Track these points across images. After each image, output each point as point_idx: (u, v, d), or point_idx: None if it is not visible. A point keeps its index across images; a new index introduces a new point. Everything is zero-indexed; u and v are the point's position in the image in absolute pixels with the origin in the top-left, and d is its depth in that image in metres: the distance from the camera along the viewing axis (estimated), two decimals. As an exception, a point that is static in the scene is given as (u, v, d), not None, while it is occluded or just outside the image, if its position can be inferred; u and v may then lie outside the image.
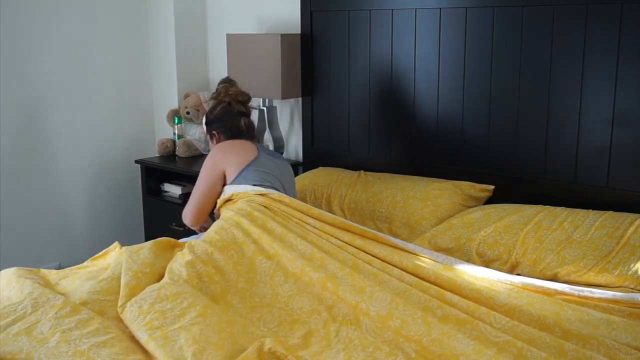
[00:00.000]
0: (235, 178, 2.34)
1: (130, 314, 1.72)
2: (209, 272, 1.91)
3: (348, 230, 2.12)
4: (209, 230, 2.12)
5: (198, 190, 2.44)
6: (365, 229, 2.15)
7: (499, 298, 1.80)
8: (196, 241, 2.04)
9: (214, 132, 2.55)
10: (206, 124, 2.56)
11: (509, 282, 1.97)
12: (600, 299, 1.88)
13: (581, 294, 1.91)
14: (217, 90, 2.60)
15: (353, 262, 1.95)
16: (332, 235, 2.09)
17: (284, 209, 2.18)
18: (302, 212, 2.18)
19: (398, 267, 1.95)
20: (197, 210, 2.46)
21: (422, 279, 1.90)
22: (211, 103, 2.58)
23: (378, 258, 2.00)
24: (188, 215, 2.49)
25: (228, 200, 2.32)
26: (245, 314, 1.82)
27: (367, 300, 1.76)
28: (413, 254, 2.08)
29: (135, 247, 2.09)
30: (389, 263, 1.97)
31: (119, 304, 1.79)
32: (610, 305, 1.85)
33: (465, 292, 1.83)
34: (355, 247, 2.04)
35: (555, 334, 1.65)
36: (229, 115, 2.52)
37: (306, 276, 1.89)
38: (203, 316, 1.67)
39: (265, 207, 2.16)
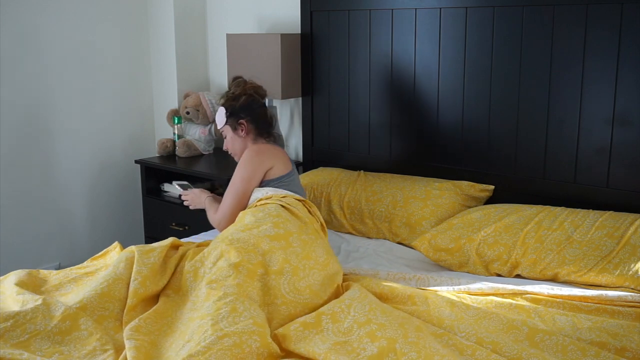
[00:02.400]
0: (278, 179, 2.35)
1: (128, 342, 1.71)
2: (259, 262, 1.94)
3: None
4: (245, 220, 2.13)
5: (240, 188, 2.35)
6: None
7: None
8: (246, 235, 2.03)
9: (241, 121, 2.44)
10: (230, 114, 2.45)
11: (479, 290, 2.02)
12: (569, 296, 1.94)
13: (550, 292, 1.96)
14: (235, 84, 2.50)
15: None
16: None
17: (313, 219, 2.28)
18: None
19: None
20: (236, 210, 2.35)
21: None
22: (231, 95, 2.48)
23: None
24: (224, 220, 2.37)
25: (267, 199, 2.29)
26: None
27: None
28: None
29: (146, 248, 2.08)
30: None
31: (125, 319, 1.81)
32: (578, 302, 1.91)
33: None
34: None
35: (520, 340, 1.70)
36: (257, 104, 2.48)
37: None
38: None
39: (306, 209, 2.29)
